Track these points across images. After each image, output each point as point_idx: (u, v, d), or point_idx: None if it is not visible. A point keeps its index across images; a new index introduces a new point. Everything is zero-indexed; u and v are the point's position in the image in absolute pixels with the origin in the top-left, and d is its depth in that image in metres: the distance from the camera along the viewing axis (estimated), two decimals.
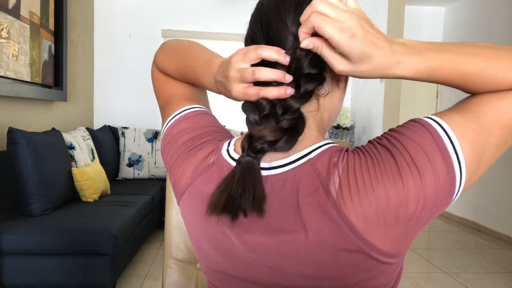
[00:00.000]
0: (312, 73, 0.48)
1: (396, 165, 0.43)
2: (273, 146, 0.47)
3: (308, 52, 0.46)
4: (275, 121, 0.47)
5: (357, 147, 0.49)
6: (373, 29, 0.44)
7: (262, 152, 0.47)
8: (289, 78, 0.47)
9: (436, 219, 4.21)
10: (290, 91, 0.47)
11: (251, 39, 0.55)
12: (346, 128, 3.71)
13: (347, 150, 0.48)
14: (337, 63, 0.44)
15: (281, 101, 0.48)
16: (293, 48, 0.47)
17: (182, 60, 0.63)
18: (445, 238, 3.55)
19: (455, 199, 0.46)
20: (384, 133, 0.49)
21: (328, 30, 0.42)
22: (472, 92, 0.48)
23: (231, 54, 0.51)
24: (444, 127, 0.45)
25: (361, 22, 0.43)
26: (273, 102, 0.48)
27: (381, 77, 0.45)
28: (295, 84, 0.48)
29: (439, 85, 4.22)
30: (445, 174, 0.43)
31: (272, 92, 0.47)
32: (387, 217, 0.43)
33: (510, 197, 3.43)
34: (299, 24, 0.47)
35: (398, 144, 0.45)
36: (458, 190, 0.45)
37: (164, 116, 0.65)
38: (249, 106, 0.49)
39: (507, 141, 0.47)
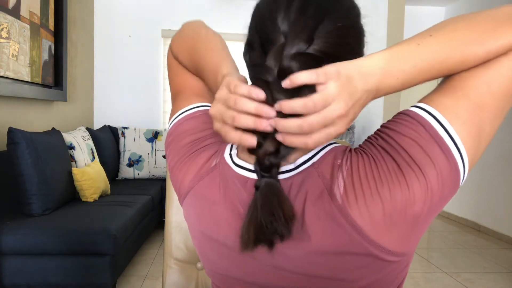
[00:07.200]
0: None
1: (397, 165, 0.42)
2: (278, 156, 0.43)
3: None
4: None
5: (359, 147, 0.47)
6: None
7: (272, 166, 0.43)
8: (266, 127, 0.42)
9: (436, 219, 4.21)
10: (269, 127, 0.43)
11: (249, 45, 0.50)
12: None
13: (350, 151, 0.47)
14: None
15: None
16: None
17: (194, 56, 0.61)
18: (445, 238, 3.55)
19: (462, 183, 0.45)
20: (378, 130, 0.47)
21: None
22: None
23: (223, 80, 0.47)
24: (435, 114, 0.43)
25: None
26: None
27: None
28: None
29: None
30: (447, 165, 0.42)
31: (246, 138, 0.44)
32: (395, 218, 0.42)
33: (510, 197, 3.43)
34: (289, 22, 0.44)
35: (393, 142, 0.43)
36: (464, 175, 0.44)
37: (172, 109, 0.64)
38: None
39: (504, 109, 0.45)
